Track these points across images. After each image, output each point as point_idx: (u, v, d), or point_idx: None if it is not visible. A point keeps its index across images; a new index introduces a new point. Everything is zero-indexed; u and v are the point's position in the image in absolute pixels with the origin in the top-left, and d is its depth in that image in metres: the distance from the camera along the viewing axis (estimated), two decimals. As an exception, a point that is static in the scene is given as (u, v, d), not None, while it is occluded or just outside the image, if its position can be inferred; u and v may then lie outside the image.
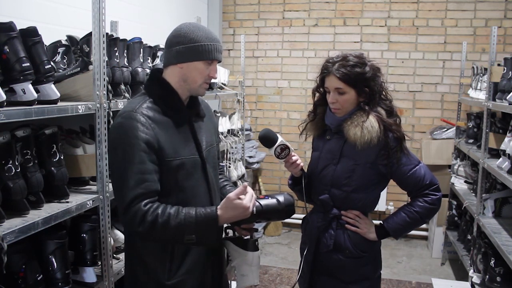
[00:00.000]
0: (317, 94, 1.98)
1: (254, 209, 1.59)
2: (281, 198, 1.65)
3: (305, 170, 1.98)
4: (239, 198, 1.52)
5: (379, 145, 1.80)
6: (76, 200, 1.89)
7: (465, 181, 3.88)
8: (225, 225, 1.82)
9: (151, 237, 1.53)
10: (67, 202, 1.86)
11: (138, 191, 1.48)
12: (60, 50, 2.07)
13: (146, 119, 1.52)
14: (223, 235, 1.74)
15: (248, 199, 1.53)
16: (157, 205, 1.50)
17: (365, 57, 1.86)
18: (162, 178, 1.56)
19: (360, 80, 1.80)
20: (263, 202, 1.63)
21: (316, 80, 1.93)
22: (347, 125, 1.82)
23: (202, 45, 1.56)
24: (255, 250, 1.71)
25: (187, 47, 1.56)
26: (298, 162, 1.88)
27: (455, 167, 4.03)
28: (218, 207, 1.53)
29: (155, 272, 1.61)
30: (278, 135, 1.86)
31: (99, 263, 2.06)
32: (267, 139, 1.85)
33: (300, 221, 2.10)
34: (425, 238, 4.75)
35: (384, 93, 1.89)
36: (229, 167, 3.59)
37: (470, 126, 3.78)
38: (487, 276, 2.70)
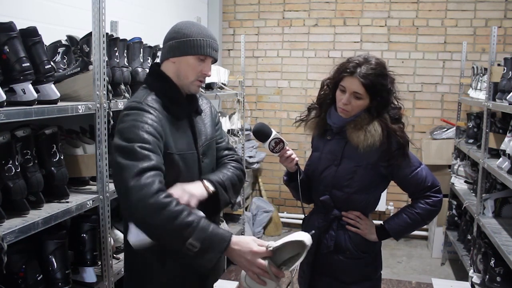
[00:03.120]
0: (325, 87, 1.93)
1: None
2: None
3: (302, 168, 1.97)
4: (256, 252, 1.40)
5: (381, 148, 1.79)
6: (76, 200, 1.90)
7: (465, 181, 3.88)
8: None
9: (154, 219, 1.34)
10: (67, 202, 1.86)
11: (149, 163, 1.39)
12: (60, 50, 2.07)
13: (153, 110, 1.52)
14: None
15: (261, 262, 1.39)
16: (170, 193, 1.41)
17: (386, 67, 1.85)
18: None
19: (379, 91, 1.79)
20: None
21: (330, 74, 1.89)
22: (350, 128, 1.81)
23: (194, 40, 1.56)
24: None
25: (179, 41, 1.57)
26: (293, 156, 1.87)
27: (455, 167, 4.03)
28: (235, 236, 1.42)
29: (151, 268, 1.60)
30: (272, 129, 1.85)
31: (99, 263, 2.06)
32: (261, 133, 1.83)
33: (300, 221, 2.09)
34: (425, 238, 4.75)
35: (395, 101, 1.88)
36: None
37: (470, 126, 3.77)
38: (487, 276, 2.70)
